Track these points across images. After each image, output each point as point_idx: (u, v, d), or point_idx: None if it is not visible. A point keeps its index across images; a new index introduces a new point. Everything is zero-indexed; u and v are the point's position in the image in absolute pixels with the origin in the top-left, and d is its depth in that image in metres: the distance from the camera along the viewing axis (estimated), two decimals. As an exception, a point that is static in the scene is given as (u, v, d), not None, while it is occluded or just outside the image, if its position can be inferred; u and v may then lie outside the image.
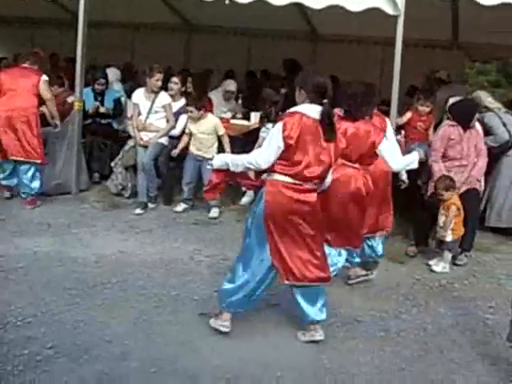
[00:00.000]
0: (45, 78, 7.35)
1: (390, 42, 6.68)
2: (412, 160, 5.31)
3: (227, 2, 6.64)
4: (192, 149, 7.54)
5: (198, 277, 5.60)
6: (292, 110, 4.31)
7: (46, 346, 4.18)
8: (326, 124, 4.21)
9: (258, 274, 4.40)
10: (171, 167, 7.98)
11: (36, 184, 7.32)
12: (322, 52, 11.47)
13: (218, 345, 4.40)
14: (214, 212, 7.38)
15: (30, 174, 7.26)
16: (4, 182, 7.46)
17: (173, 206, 7.67)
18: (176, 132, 7.79)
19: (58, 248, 6.07)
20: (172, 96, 7.73)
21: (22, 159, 7.21)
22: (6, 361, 3.98)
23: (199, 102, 7.55)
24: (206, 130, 7.47)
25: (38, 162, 7.27)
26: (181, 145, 7.63)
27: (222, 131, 7.52)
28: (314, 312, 4.49)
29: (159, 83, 7.39)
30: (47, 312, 4.70)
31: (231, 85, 9.52)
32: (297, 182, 4.26)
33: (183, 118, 7.80)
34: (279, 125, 4.22)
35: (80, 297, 5.01)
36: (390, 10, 6.35)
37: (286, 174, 4.25)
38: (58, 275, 5.42)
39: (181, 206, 7.54)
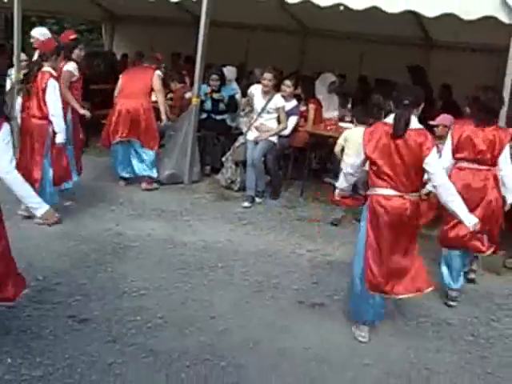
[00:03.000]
0: (158, 72, 7.95)
1: (505, 50, 6.69)
2: None
3: (342, 8, 6.91)
4: None
5: (299, 268, 5.95)
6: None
7: (156, 316, 4.69)
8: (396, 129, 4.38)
9: None
10: (280, 165, 8.39)
11: (153, 172, 7.98)
12: (436, 59, 11.49)
13: (312, 330, 4.74)
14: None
15: (149, 161, 7.91)
16: (124, 174, 8.09)
17: (280, 201, 8.06)
18: (286, 132, 8.17)
19: (170, 232, 6.60)
20: (284, 97, 8.09)
21: (141, 144, 7.86)
22: (121, 324, 4.51)
23: None
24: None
25: (154, 151, 7.91)
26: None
27: None
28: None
29: (270, 83, 7.74)
30: (159, 287, 5.22)
31: (331, 76, 9.76)
32: None
33: (293, 119, 8.17)
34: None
35: (188, 276, 5.50)
36: (505, 19, 6.40)
37: None
38: (168, 256, 5.94)
39: None
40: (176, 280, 5.40)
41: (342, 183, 4.98)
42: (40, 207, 3.99)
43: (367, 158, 4.48)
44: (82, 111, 7.29)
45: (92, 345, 4.20)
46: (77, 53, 7.27)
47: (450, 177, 4.86)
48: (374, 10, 6.81)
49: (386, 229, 4.40)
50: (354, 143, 6.72)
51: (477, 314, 5.33)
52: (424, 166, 4.32)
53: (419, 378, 4.25)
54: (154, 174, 8.04)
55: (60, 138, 6.27)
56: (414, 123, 4.38)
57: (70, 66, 7.06)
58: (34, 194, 4.03)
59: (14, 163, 3.84)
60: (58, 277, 5.19)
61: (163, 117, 8.04)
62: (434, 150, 4.34)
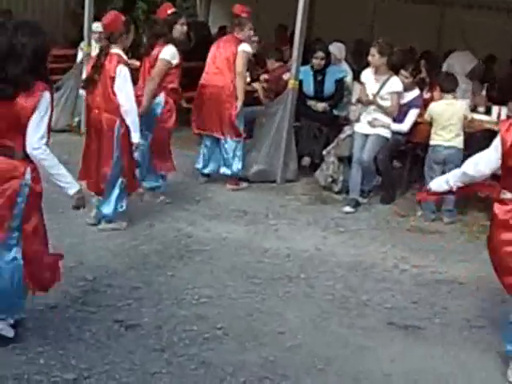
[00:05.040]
0: (245, 47, 8.22)
1: None
2: None
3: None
4: None
5: (398, 286, 6.17)
6: None
7: (215, 327, 5.08)
8: None
9: None
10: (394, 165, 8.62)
11: (238, 165, 8.41)
12: None
13: (398, 355, 4.96)
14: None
15: (231, 153, 8.35)
16: (205, 171, 8.59)
17: (391, 208, 8.31)
18: (404, 128, 8.36)
19: (250, 237, 7.01)
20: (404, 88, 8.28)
21: (221, 137, 8.32)
22: (173, 333, 4.94)
23: None
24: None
25: (238, 139, 8.33)
26: None
27: None
28: None
29: (376, 61, 8.00)
30: (224, 295, 5.63)
31: (472, 58, 9.87)
32: None
33: (414, 113, 8.35)
34: None
35: (261, 286, 5.87)
36: None
37: None
38: (243, 263, 6.34)
39: None
40: (246, 290, 5.78)
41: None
42: (71, 186, 4.43)
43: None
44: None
45: (136, 352, 4.64)
46: (178, 29, 7.46)
47: None
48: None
49: None
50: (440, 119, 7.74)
51: None
52: None
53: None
54: (238, 168, 8.45)
55: (136, 138, 6.58)
56: None
57: (167, 54, 7.30)
58: (66, 172, 4.43)
59: (44, 140, 4.28)
60: (110, 278, 5.71)
61: (238, 103, 8.25)
62: None
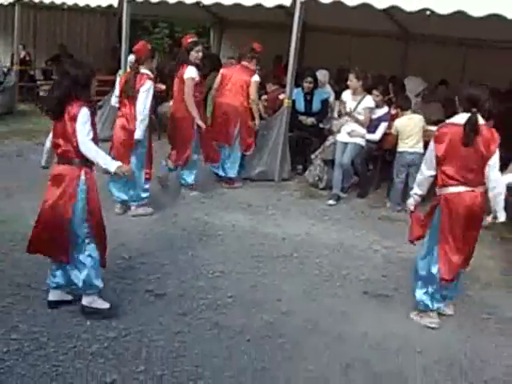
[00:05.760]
0: (255, 78, 8.20)
1: None
2: None
3: (428, 13, 7.02)
4: None
5: (371, 263, 6.15)
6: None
7: (226, 295, 5.07)
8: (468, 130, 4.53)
9: None
10: (368, 167, 8.60)
11: (234, 170, 8.34)
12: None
13: (372, 318, 4.94)
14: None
15: (229, 158, 8.30)
16: (220, 172, 8.45)
17: (366, 201, 8.28)
18: (376, 138, 8.33)
19: (253, 224, 6.97)
20: (376, 105, 8.27)
21: (225, 145, 8.26)
22: (193, 300, 4.93)
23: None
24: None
25: (239, 151, 8.30)
26: None
27: None
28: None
29: (353, 84, 7.96)
30: (233, 271, 5.60)
31: (421, 82, 10.06)
32: None
33: (383, 126, 8.32)
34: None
35: (263, 263, 5.85)
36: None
37: None
38: (248, 244, 6.31)
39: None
40: (251, 266, 5.76)
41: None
42: (111, 164, 4.38)
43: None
44: (199, 122, 7.44)
45: (163, 316, 4.63)
46: (193, 54, 7.41)
47: None
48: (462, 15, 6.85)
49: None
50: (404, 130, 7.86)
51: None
52: None
53: (471, 369, 4.35)
54: (234, 172, 8.39)
55: (137, 135, 6.59)
56: None
57: (191, 72, 7.31)
58: (104, 155, 4.38)
59: (90, 136, 4.27)
60: (143, 257, 5.69)
61: (256, 121, 8.32)
62: None
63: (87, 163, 4.37)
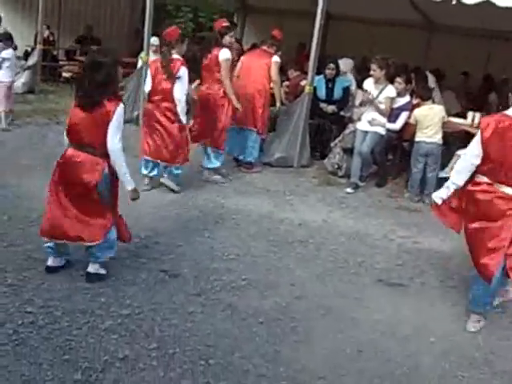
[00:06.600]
0: (276, 59, 8.21)
1: None
2: None
3: (454, 2, 6.93)
4: None
5: (387, 251, 6.11)
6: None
7: (240, 278, 5.06)
8: None
9: None
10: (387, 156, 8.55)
11: (255, 153, 8.35)
12: None
13: (386, 305, 4.92)
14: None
15: (251, 142, 8.28)
16: (236, 155, 8.47)
17: (384, 190, 8.24)
18: (396, 127, 8.25)
19: (271, 209, 6.96)
20: (398, 94, 8.18)
21: (246, 127, 8.24)
22: (207, 282, 4.93)
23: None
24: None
25: (258, 133, 8.26)
26: None
27: None
28: None
29: (376, 73, 7.86)
30: (248, 254, 5.60)
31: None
32: None
33: (404, 115, 8.22)
34: None
35: (278, 247, 5.83)
36: None
37: None
38: (264, 229, 6.29)
39: None
40: (266, 250, 5.75)
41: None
42: (129, 184, 4.59)
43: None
44: (236, 104, 7.57)
45: (177, 295, 4.64)
46: (227, 39, 7.49)
47: None
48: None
49: None
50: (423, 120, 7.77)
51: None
52: None
53: (482, 361, 4.31)
54: (254, 156, 8.39)
55: (184, 120, 6.84)
56: None
57: (226, 54, 7.35)
58: (127, 172, 4.53)
59: (121, 144, 4.41)
60: (158, 237, 5.70)
61: (278, 103, 8.37)
62: None
63: (108, 158, 4.46)
